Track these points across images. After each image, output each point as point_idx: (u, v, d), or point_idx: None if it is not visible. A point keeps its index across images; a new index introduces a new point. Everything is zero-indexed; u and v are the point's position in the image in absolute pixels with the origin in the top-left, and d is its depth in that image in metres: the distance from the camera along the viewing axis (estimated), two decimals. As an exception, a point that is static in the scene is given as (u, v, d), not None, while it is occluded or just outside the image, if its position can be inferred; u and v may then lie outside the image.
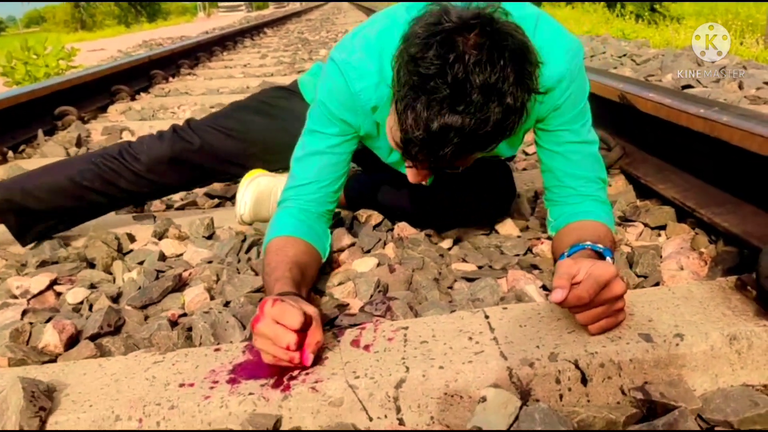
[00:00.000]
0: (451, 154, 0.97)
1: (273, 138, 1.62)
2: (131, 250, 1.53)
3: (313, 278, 1.20)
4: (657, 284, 1.22)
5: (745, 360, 0.94)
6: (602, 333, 0.96)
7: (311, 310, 0.93)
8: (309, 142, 1.27)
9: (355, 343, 0.99)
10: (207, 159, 1.61)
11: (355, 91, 1.19)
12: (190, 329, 1.13)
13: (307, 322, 0.91)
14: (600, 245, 1.08)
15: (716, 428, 0.85)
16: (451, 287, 1.27)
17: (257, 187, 1.58)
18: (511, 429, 0.84)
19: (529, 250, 1.42)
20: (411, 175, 1.15)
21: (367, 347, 0.97)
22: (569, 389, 0.91)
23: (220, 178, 1.69)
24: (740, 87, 2.82)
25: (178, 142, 1.59)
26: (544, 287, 1.23)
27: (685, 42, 5.65)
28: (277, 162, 1.66)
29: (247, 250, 1.46)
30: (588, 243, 1.08)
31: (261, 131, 1.62)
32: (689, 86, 2.98)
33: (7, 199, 1.51)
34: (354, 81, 1.19)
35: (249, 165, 1.65)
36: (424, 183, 1.18)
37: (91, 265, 1.45)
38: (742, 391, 0.89)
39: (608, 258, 1.06)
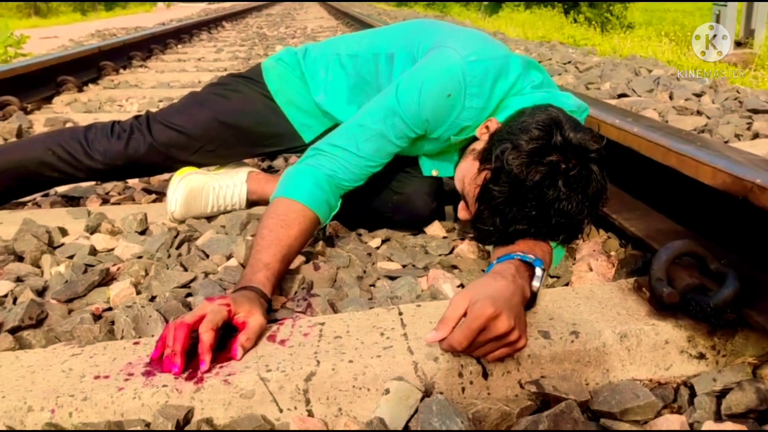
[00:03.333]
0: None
1: (217, 133, 1.64)
2: (62, 244, 1.53)
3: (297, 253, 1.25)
4: (567, 285, 1.30)
5: (633, 356, 1.02)
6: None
7: (258, 322, 1.00)
8: (382, 121, 1.27)
9: (271, 338, 1.02)
10: (159, 157, 1.65)
11: (464, 105, 1.26)
12: (113, 323, 1.15)
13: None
14: (531, 255, 1.10)
15: (601, 419, 0.92)
16: (373, 285, 1.32)
17: (188, 184, 1.59)
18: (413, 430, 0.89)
19: (453, 250, 1.47)
20: (461, 211, 1.29)
21: (282, 342, 1.01)
22: (471, 382, 0.96)
23: (177, 168, 1.73)
24: (671, 97, 2.95)
25: (131, 144, 1.62)
26: (462, 286, 1.28)
27: (631, 50, 5.83)
28: (227, 156, 1.71)
29: (178, 246, 1.48)
30: (518, 253, 1.10)
31: (206, 124, 1.64)
32: (624, 95, 3.10)
33: None
34: (469, 97, 1.26)
35: (199, 160, 1.68)
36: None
37: (20, 258, 1.45)
38: (628, 385, 0.96)
39: (538, 268, 1.08)
